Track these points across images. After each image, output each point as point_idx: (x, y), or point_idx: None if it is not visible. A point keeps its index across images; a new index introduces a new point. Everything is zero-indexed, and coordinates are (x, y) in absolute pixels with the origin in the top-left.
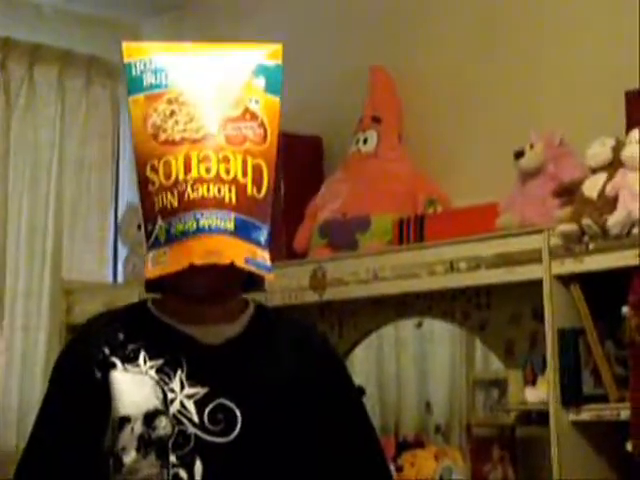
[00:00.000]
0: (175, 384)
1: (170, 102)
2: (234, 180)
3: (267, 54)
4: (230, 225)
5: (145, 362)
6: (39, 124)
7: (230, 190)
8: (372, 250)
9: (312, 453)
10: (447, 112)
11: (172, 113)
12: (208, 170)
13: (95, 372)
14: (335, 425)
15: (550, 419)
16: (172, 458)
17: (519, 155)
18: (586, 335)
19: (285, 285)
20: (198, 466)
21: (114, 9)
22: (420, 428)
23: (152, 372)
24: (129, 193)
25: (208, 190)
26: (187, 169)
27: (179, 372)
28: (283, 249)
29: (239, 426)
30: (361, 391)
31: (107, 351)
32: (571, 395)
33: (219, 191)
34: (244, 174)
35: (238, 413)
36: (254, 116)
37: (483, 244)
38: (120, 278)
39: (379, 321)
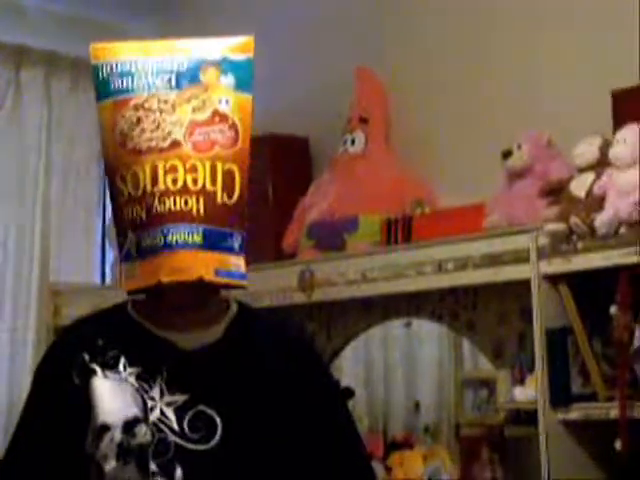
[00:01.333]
0: (155, 392)
1: (136, 108)
2: (202, 190)
3: (236, 47)
4: (198, 238)
5: (125, 369)
6: (25, 126)
7: (198, 201)
8: (360, 251)
9: (294, 458)
10: (434, 113)
11: (138, 120)
12: (175, 181)
13: (74, 378)
14: (317, 428)
15: (539, 418)
16: (152, 466)
17: (507, 155)
18: (574, 334)
19: (273, 286)
20: (179, 474)
21: (100, 10)
22: (409, 428)
23: (132, 379)
24: None
25: (175, 203)
26: (154, 181)
27: (159, 379)
28: (271, 250)
29: (219, 433)
30: (350, 392)
31: (87, 357)
32: (560, 394)
33: (186, 203)
34: (213, 182)
35: (218, 420)
36: (224, 118)
37: (471, 244)
38: (108, 280)
39: (368, 322)
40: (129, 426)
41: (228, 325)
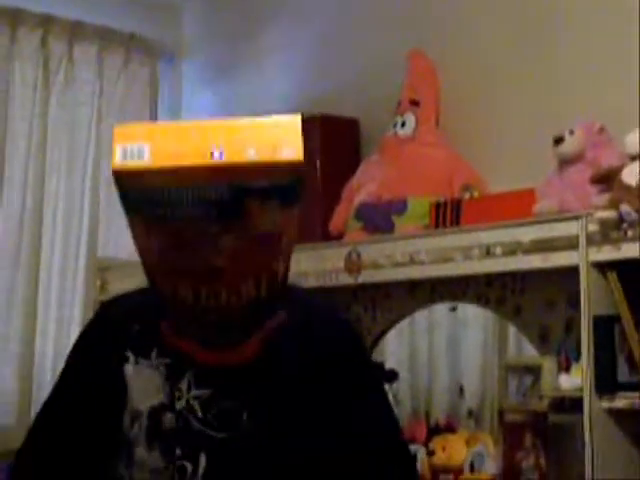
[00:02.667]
0: (183, 384)
1: (171, 236)
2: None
3: (285, 170)
4: None
5: (156, 358)
6: (77, 102)
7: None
8: (408, 233)
9: (321, 447)
10: (485, 97)
11: (174, 246)
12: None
13: (112, 358)
14: (348, 415)
15: (584, 406)
16: (178, 452)
17: (558, 141)
18: (622, 322)
19: (320, 267)
20: (203, 460)
21: None
22: (452, 412)
23: (162, 368)
24: None
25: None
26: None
27: (188, 373)
28: (319, 231)
29: (244, 422)
30: (394, 374)
31: (123, 342)
32: (605, 383)
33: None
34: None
35: (244, 411)
36: (268, 237)
37: (520, 229)
38: None
39: (413, 305)
40: (155, 412)
41: None
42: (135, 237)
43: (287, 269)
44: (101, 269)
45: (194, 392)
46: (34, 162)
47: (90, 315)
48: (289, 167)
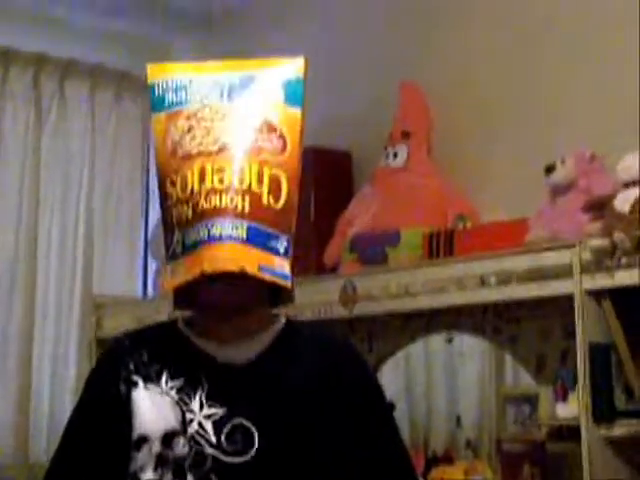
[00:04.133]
0: (194, 404)
1: (188, 118)
2: (248, 189)
3: (287, 66)
4: (242, 233)
5: (167, 382)
6: (70, 139)
7: (244, 199)
8: (402, 265)
9: (334, 471)
10: (477, 127)
11: (190, 128)
12: (221, 180)
13: (121, 389)
14: (359, 439)
15: (582, 435)
16: (189, 478)
17: (550, 170)
18: (618, 350)
19: (315, 300)
20: None
21: (145, 26)
22: (450, 443)
23: (172, 392)
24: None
25: (220, 200)
26: (201, 180)
27: (199, 392)
28: (313, 264)
29: (256, 446)
30: (391, 406)
31: (132, 368)
32: (603, 411)
33: (232, 200)
34: (259, 183)
35: (255, 433)
36: (272, 128)
37: (514, 259)
38: (150, 292)
39: (409, 336)
40: (168, 438)
41: (274, 338)
42: (155, 139)
43: (294, 193)
44: (96, 306)
45: (206, 411)
46: (27, 199)
47: (86, 352)
48: (292, 66)
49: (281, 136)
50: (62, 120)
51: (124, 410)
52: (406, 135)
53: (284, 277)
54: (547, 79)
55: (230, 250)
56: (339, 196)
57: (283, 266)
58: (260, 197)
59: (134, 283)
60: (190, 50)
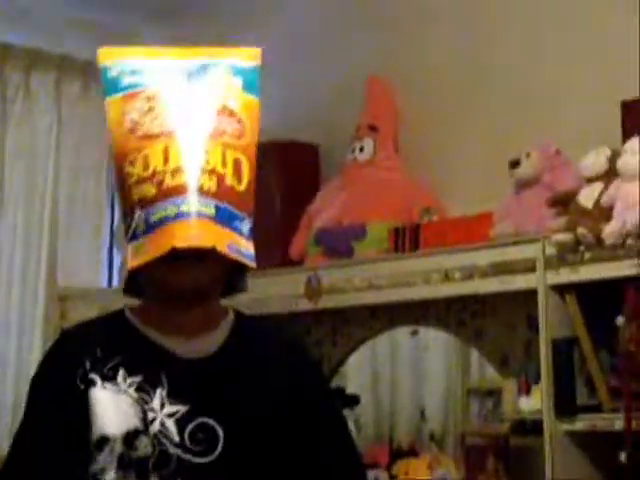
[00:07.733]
0: (155, 403)
1: (148, 99)
2: (213, 170)
3: (244, 55)
4: (211, 210)
5: (125, 379)
6: (35, 131)
7: (210, 179)
8: (367, 258)
9: (294, 471)
10: (443, 121)
11: (150, 109)
12: (187, 160)
13: (78, 385)
14: (313, 435)
15: (544, 429)
16: (153, 479)
17: (515, 164)
18: (581, 345)
19: (280, 292)
20: None
21: (113, 14)
22: (414, 436)
23: (131, 390)
24: None
25: (188, 178)
26: (166, 160)
27: (159, 390)
28: (278, 257)
29: (221, 445)
30: (356, 399)
31: (88, 366)
32: (565, 405)
33: (198, 179)
34: (223, 165)
35: (220, 432)
36: (232, 113)
37: (478, 253)
38: (115, 283)
39: (374, 329)
40: (130, 438)
41: (230, 331)
42: (110, 121)
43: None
44: (61, 297)
45: (168, 409)
46: None
47: (50, 342)
48: (249, 55)
49: (240, 121)
50: (27, 111)
51: (83, 410)
52: (373, 129)
53: (250, 257)
54: (513, 72)
55: (201, 227)
56: (306, 189)
57: (248, 247)
58: (224, 178)
59: (100, 274)
60: (159, 40)
